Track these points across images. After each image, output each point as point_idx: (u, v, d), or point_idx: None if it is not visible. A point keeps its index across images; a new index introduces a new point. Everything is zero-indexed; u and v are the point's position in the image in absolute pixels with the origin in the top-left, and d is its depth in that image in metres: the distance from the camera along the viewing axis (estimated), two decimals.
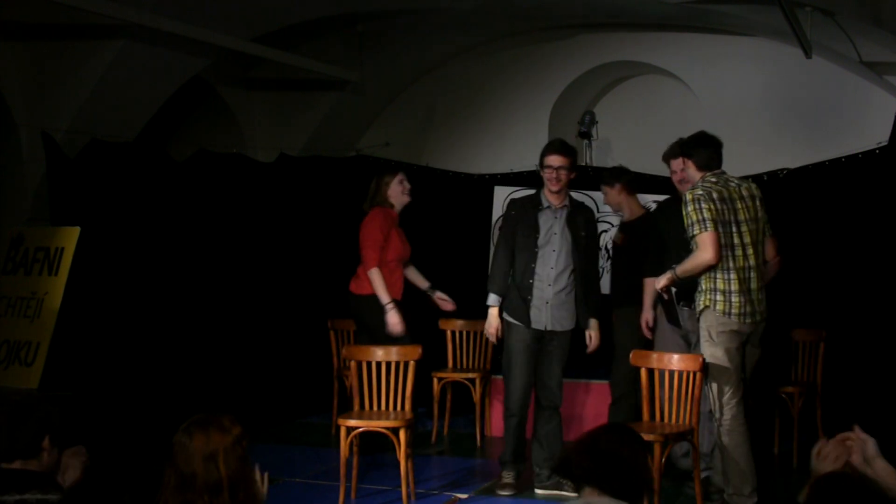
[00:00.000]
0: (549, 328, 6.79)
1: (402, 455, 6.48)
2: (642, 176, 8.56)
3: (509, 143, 10.39)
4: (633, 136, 10.23)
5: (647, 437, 6.04)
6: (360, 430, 6.52)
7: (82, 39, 8.51)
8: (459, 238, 9.80)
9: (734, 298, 6.15)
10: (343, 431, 6.50)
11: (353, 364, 6.90)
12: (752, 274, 6.22)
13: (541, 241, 6.76)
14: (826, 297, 8.52)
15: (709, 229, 6.07)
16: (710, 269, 6.16)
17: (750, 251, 6.21)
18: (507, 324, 6.87)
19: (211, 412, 3.26)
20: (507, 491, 6.87)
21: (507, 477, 6.94)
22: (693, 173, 6.42)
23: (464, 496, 6.85)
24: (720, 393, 6.24)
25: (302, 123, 10.68)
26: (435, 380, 8.46)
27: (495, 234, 9.16)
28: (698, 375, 6.18)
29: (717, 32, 9.56)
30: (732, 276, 6.16)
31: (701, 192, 6.16)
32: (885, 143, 8.23)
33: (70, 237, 8.19)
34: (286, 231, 9.93)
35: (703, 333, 6.27)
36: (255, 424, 8.48)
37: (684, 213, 6.19)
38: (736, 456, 6.22)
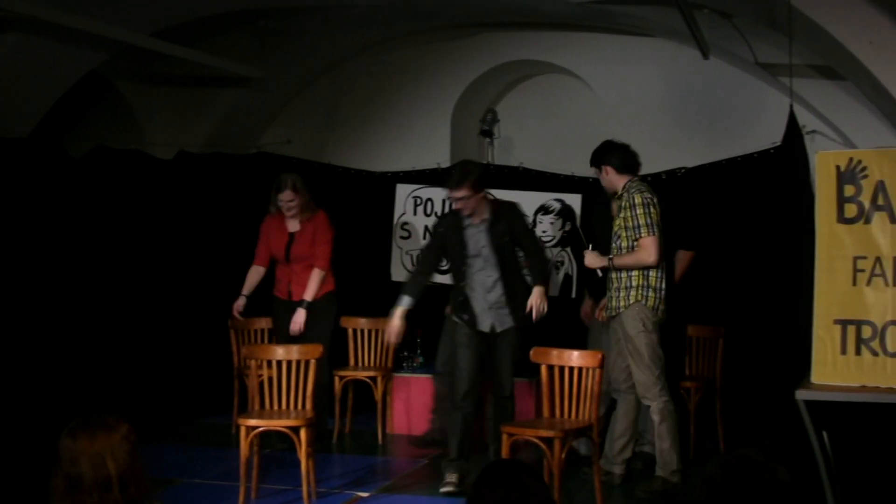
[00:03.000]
0: (497, 329, 7.01)
1: (302, 454, 6.44)
2: (543, 174, 8.63)
3: (412, 141, 10.37)
4: (534, 134, 10.28)
5: (546, 433, 6.12)
6: (261, 429, 6.47)
7: None
8: (361, 236, 9.78)
9: (662, 295, 6.68)
10: (243, 431, 6.45)
11: (253, 363, 6.85)
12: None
13: (471, 254, 6.98)
14: (724, 293, 8.68)
15: (655, 234, 6.56)
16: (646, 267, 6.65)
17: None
18: (452, 323, 7.11)
19: (105, 414, 3.20)
20: (449, 488, 6.75)
21: (451, 477, 6.82)
22: (615, 177, 6.82)
23: (365, 494, 6.83)
24: (658, 379, 6.66)
25: (202, 120, 10.52)
26: (336, 378, 8.42)
27: (397, 231, 9.15)
28: (598, 372, 6.27)
29: (617, 33, 9.65)
30: (662, 274, 6.69)
31: (650, 196, 6.63)
32: (779, 144, 8.39)
33: None
34: (186, 229, 9.80)
35: (637, 325, 6.66)
36: (153, 425, 8.37)
37: (632, 213, 6.60)
38: (672, 437, 6.66)
